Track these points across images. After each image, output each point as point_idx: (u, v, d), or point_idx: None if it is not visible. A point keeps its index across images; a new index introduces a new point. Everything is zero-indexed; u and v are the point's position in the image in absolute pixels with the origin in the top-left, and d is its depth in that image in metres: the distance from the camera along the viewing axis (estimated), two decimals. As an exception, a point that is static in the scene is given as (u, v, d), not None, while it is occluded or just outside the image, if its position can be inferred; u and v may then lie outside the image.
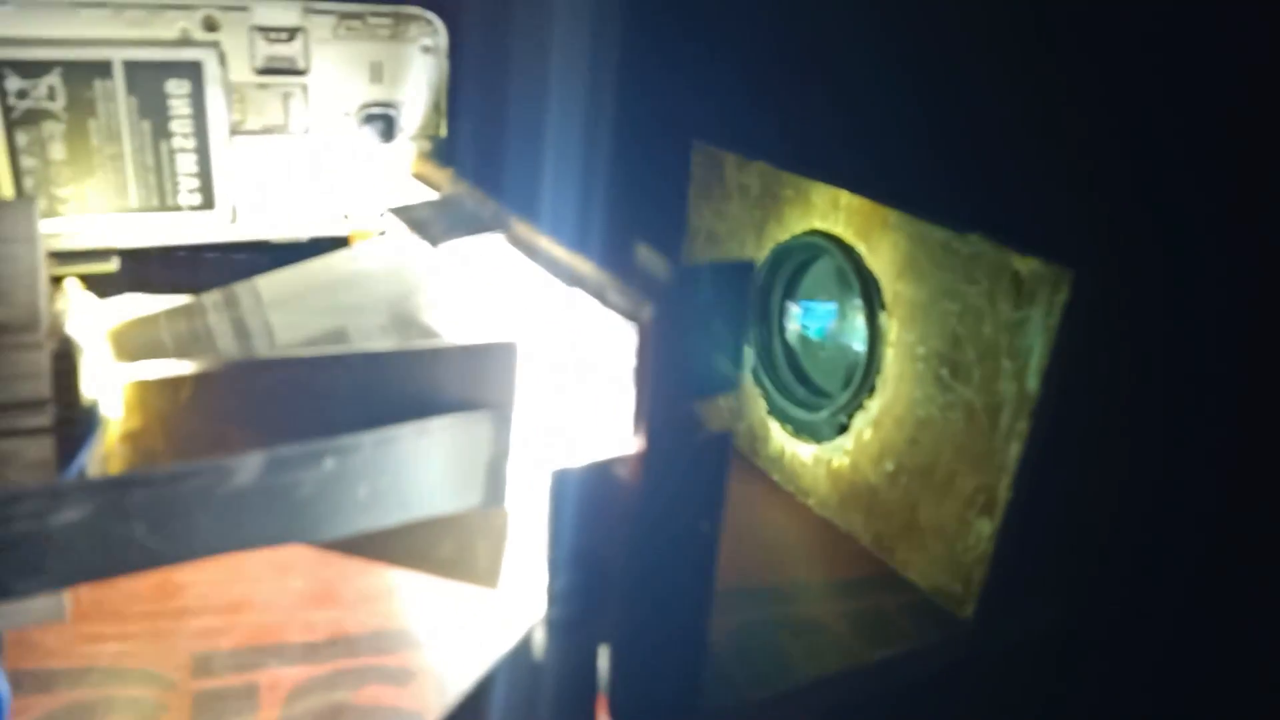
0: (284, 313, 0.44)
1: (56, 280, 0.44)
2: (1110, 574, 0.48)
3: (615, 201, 0.69)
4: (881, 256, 0.53)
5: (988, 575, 0.48)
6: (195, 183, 0.49)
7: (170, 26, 0.46)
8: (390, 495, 0.36)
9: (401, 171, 0.55)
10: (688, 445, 0.35)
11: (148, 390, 0.37)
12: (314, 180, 0.53)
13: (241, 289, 0.46)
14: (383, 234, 0.56)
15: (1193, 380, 0.47)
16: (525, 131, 0.63)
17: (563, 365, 0.37)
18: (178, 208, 0.49)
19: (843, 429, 0.56)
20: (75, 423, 0.34)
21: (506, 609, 0.46)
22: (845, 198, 0.55)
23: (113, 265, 0.49)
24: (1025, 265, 0.45)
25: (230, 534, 0.33)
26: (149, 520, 0.31)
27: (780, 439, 0.61)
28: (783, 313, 0.61)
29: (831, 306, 0.58)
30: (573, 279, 0.37)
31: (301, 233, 0.54)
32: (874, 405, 0.54)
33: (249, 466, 0.33)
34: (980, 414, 0.48)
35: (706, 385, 0.35)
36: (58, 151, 0.46)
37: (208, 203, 0.50)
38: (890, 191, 0.52)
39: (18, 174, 0.45)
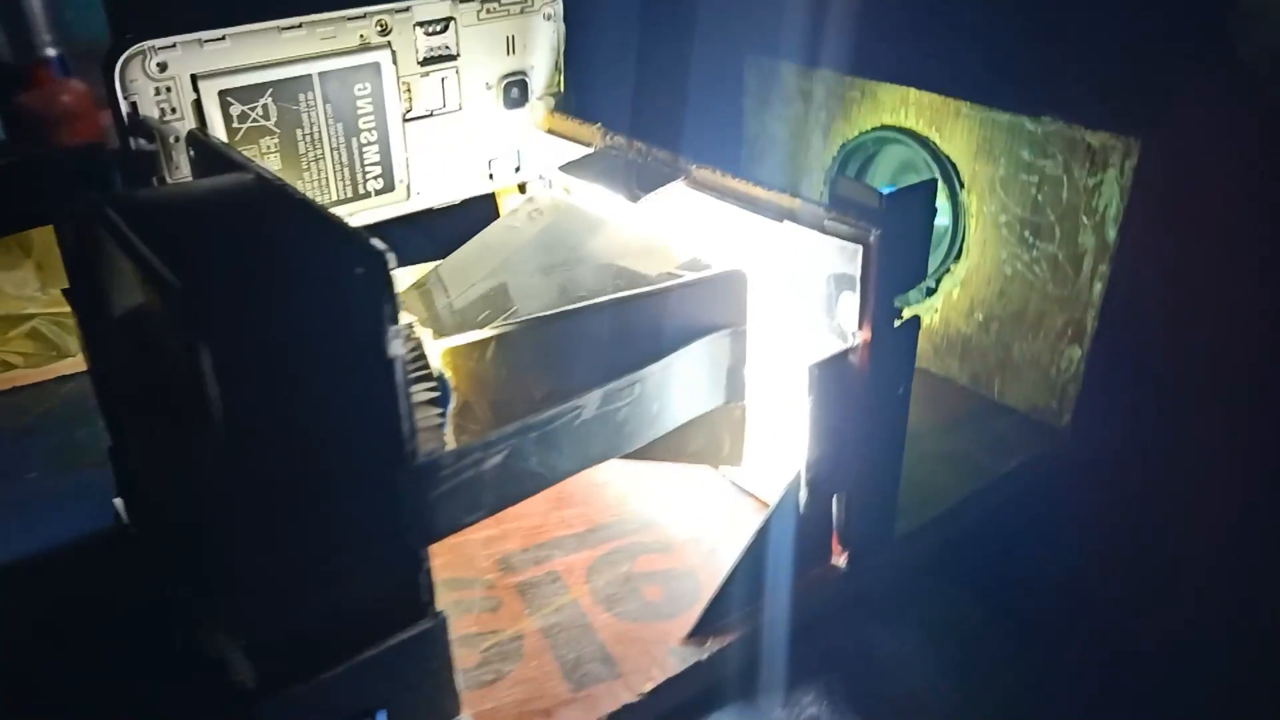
0: (501, 281, 0.52)
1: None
2: (1183, 386, 0.60)
3: (677, 117, 0.77)
4: (956, 142, 0.63)
5: (1080, 390, 0.60)
6: (378, 169, 0.56)
7: (352, 36, 0.52)
8: (670, 407, 0.46)
9: (534, 128, 0.62)
10: (894, 330, 0.45)
11: (459, 355, 0.46)
12: (464, 149, 0.60)
13: (444, 270, 0.54)
14: (523, 187, 0.64)
15: (1247, 221, 0.58)
16: (604, 70, 0.69)
17: (782, 284, 0.47)
18: (367, 194, 0.56)
19: (930, 293, 0.66)
20: (439, 391, 0.42)
21: (711, 485, 0.56)
22: (914, 94, 0.64)
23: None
24: (1096, 139, 0.56)
25: (580, 455, 0.43)
26: (538, 453, 0.40)
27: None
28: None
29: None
30: (780, 213, 0.46)
31: (455, 196, 0.61)
32: (960, 269, 0.64)
33: (592, 401, 0.42)
34: (1064, 264, 0.59)
35: (905, 280, 0.45)
36: (274, 162, 0.52)
37: (388, 185, 0.57)
38: (961, 85, 0.62)
39: (244, 187, 0.52)
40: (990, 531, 0.56)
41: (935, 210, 0.45)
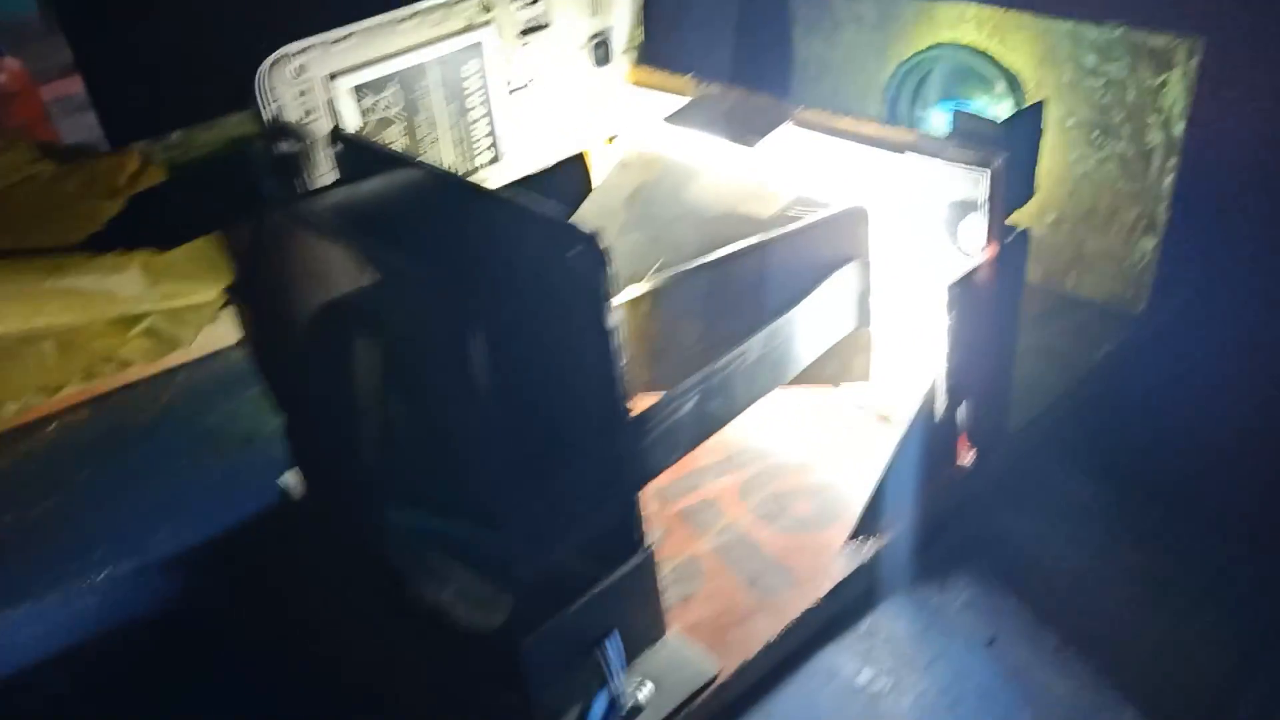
0: (633, 236, 0.56)
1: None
2: (1257, 267, 0.65)
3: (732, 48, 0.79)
4: (1019, 52, 0.66)
5: (1155, 276, 0.65)
6: (487, 142, 0.59)
7: (459, 18, 0.54)
8: (814, 339, 0.50)
9: (622, 84, 0.64)
10: (1009, 245, 0.49)
11: (621, 311, 0.49)
12: (559, 112, 0.62)
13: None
14: (612, 141, 0.66)
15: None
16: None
17: (905, 215, 0.50)
18: (476, 168, 0.59)
19: (1001, 197, 0.70)
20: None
21: (832, 405, 0.61)
22: (973, 9, 0.67)
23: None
24: (1160, 40, 0.59)
25: (750, 393, 0.47)
26: (720, 396, 0.45)
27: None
28: (914, 119, 0.74)
29: (969, 100, 0.70)
30: (899, 146, 0.50)
31: (551, 159, 0.64)
32: (1030, 173, 0.68)
33: (756, 342, 0.46)
34: (1133, 161, 0.63)
35: (1020, 197, 0.49)
36: (400, 148, 0.54)
37: (496, 156, 0.60)
38: (1021, -2, 0.64)
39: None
40: (1090, 417, 0.61)
41: (1042, 131, 0.48)
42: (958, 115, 0.48)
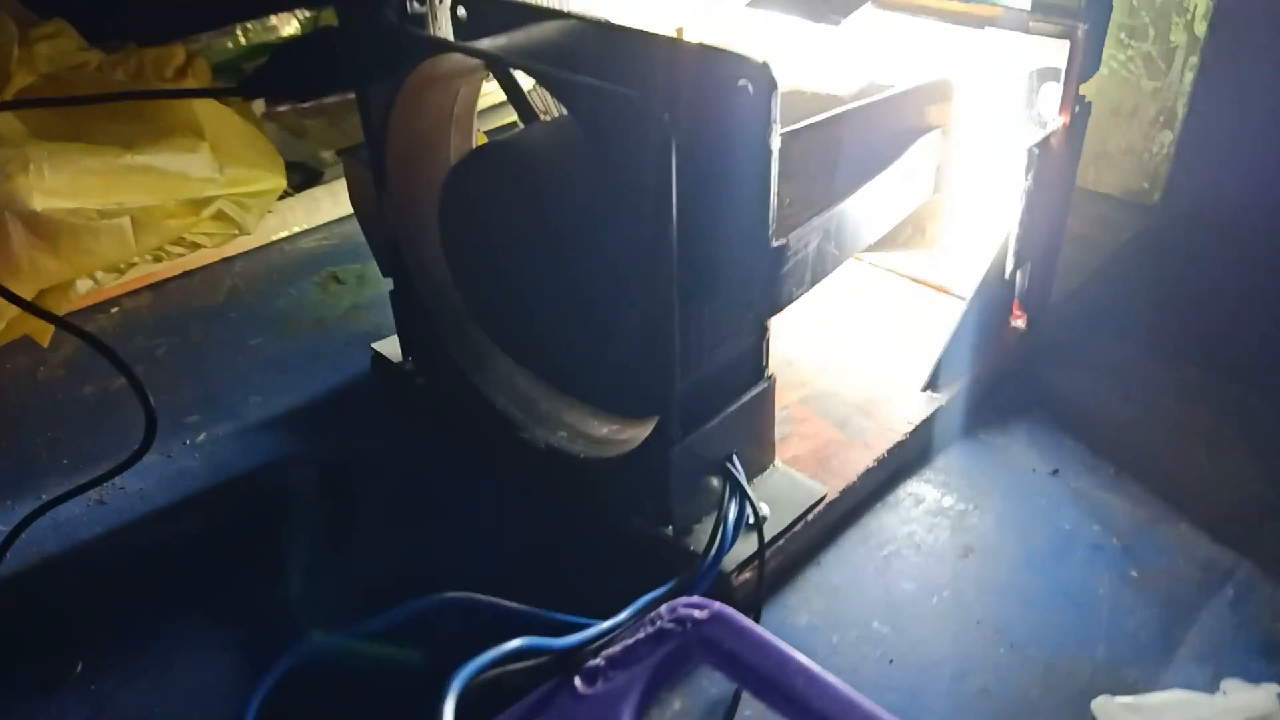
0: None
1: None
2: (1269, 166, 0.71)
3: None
4: (1054, -40, 0.71)
5: (1171, 168, 0.71)
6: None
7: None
8: (899, 200, 0.55)
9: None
10: (1078, 113, 0.54)
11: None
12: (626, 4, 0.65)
13: None
14: (680, 32, 0.69)
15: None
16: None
17: (987, 85, 0.55)
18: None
19: (1029, 97, 0.75)
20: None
21: (889, 282, 0.66)
22: (1011, -80, 0.72)
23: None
24: (1191, -56, 0.64)
25: (854, 243, 0.51)
26: (835, 238, 0.49)
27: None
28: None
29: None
30: (981, 21, 0.54)
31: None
32: (1057, 75, 0.73)
33: (856, 199, 0.50)
34: (1157, 60, 0.69)
35: (1092, 68, 0.54)
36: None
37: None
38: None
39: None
40: (1122, 290, 0.67)
41: (1112, 6, 0.53)
42: (1037, -8, 0.52)
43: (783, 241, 0.45)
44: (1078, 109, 0.54)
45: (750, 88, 0.40)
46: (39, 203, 0.63)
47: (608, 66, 0.42)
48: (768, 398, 0.49)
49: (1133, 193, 0.73)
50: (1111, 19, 0.68)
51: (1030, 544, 0.50)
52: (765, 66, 0.40)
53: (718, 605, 0.41)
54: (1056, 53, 0.52)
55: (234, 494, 0.56)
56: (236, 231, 0.74)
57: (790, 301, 0.48)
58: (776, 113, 0.41)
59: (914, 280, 0.65)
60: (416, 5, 0.52)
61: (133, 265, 0.71)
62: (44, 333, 0.67)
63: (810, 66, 0.61)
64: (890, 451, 0.53)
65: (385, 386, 0.63)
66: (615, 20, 0.45)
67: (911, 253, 0.63)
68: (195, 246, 0.74)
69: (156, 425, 0.45)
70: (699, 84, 0.41)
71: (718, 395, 0.46)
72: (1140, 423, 0.57)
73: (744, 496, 0.47)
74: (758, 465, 0.50)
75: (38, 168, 0.63)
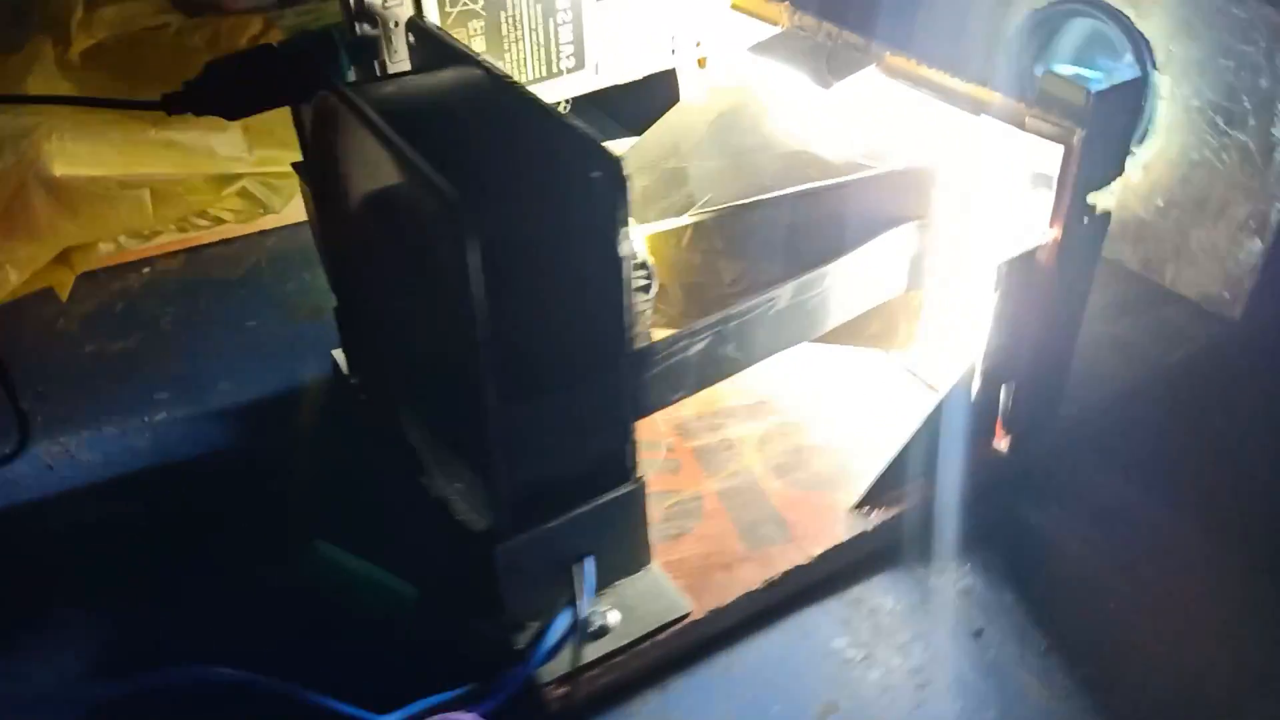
0: (690, 163, 0.54)
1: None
2: None
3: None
4: (1153, 20, 0.60)
5: (1257, 282, 0.60)
6: (571, 48, 0.58)
7: (551, -84, 0.53)
8: (856, 295, 0.49)
9: (718, 3, 0.62)
10: (1085, 227, 0.46)
11: (658, 240, 0.49)
12: (649, 24, 0.61)
13: (632, 154, 0.56)
14: (704, 62, 0.65)
15: None
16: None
17: (977, 178, 0.47)
18: (559, 72, 0.58)
19: (1109, 174, 0.65)
20: (648, 279, 0.46)
21: (880, 368, 0.59)
22: (1112, -34, 0.62)
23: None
24: (1310, 24, 0.53)
25: (775, 341, 0.46)
26: (736, 341, 0.44)
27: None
28: (1035, 77, 0.69)
29: (1096, 69, 0.65)
30: (977, 106, 0.47)
31: (639, 72, 0.62)
32: (1145, 151, 0.63)
33: (786, 292, 0.45)
34: (1255, 154, 0.57)
35: (1104, 177, 0.46)
36: (479, 44, 0.54)
37: (579, 63, 0.59)
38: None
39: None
40: (1154, 418, 0.58)
41: (1141, 110, 0.45)
42: (1045, 76, 0.44)
43: (645, 345, 0.41)
44: (1085, 222, 0.46)
45: (599, 183, 0.36)
46: (60, 169, 0.66)
47: (465, 136, 0.39)
48: (635, 501, 0.45)
49: (1210, 300, 0.62)
50: (1208, 100, 0.58)
51: (908, 716, 0.44)
52: (616, 161, 0.36)
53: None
54: (1050, 157, 0.44)
55: (157, 483, 0.58)
56: (263, 210, 0.76)
57: (663, 405, 0.44)
58: (625, 212, 0.37)
59: (910, 371, 0.59)
60: (368, 29, 0.51)
61: (158, 233, 0.75)
62: (64, 286, 0.71)
63: (815, 126, 0.55)
64: (787, 575, 0.48)
65: (339, 397, 0.63)
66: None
67: (880, 352, 0.56)
68: (219, 221, 0.76)
69: (29, 427, 0.47)
70: (548, 170, 0.37)
71: (568, 494, 0.43)
72: (1106, 590, 0.49)
73: (583, 597, 0.43)
74: (626, 567, 0.47)
75: (60, 135, 0.66)
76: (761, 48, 0.56)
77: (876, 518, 0.50)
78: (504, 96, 0.42)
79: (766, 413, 0.57)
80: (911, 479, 0.51)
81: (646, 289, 0.46)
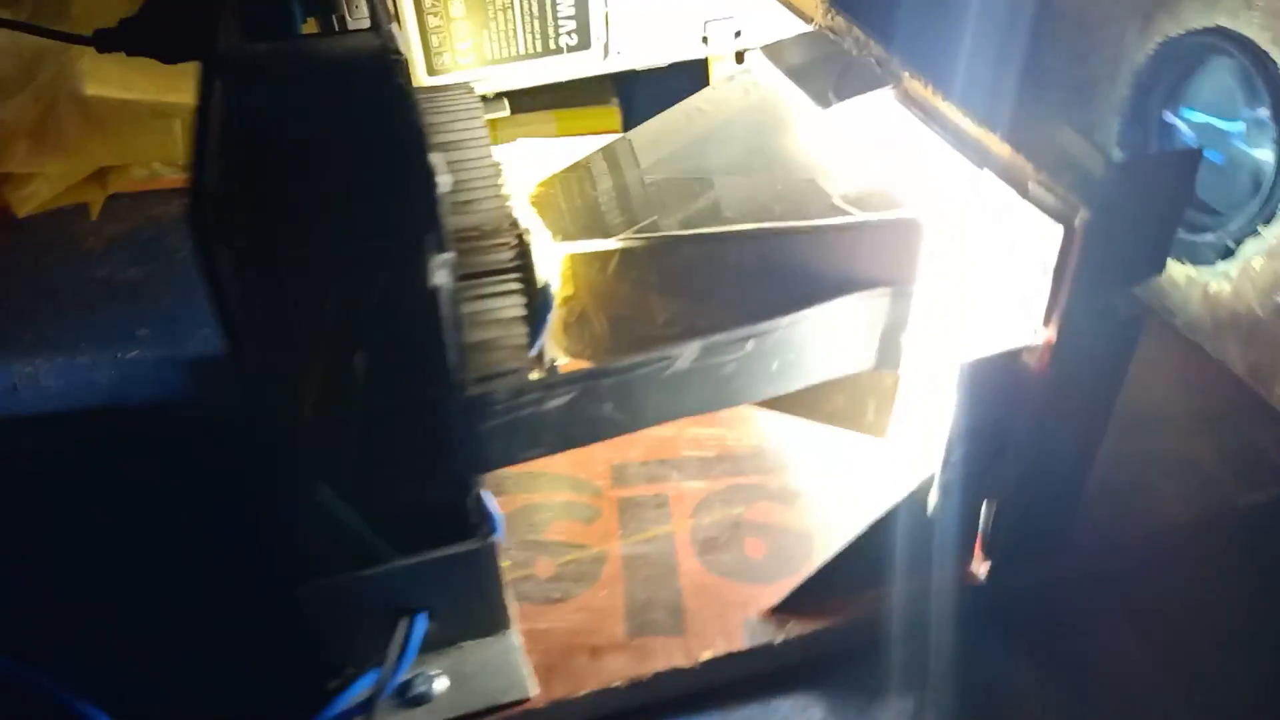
0: (664, 175, 0.47)
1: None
2: None
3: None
4: (1307, 69, 0.47)
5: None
6: (572, 24, 0.51)
7: None
8: (796, 366, 0.40)
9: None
10: (1101, 332, 0.36)
11: (580, 262, 0.42)
12: (674, 7, 0.53)
13: (621, 149, 0.48)
14: (741, 56, 0.56)
15: None
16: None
17: (967, 248, 0.38)
18: (559, 50, 0.52)
19: (1228, 253, 0.52)
20: (536, 304, 0.39)
21: (870, 443, 0.50)
22: (1269, -6, 0.48)
23: (505, 111, 0.53)
24: None
25: (672, 406, 0.38)
26: (614, 400, 0.37)
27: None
28: (1164, 118, 0.56)
29: (1234, 120, 0.52)
30: (983, 158, 0.37)
31: (661, 59, 0.55)
32: (1271, 232, 0.50)
33: (687, 353, 0.37)
34: None
35: (1129, 275, 0.35)
36: (457, 9, 0.49)
37: (583, 42, 0.52)
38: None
39: (424, 31, 0.49)
40: (1197, 572, 0.46)
41: (1191, 193, 0.33)
42: (1062, 131, 0.34)
43: (482, 392, 0.34)
44: (1099, 324, 0.35)
45: (403, 205, 0.29)
46: (91, 88, 0.66)
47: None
48: (480, 560, 0.39)
49: (1326, 435, 0.49)
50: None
51: None
52: (426, 174, 0.29)
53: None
54: (1044, 238, 0.34)
55: (100, 424, 0.57)
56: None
57: (510, 462, 0.37)
58: (438, 238, 0.30)
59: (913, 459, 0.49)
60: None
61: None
62: (95, 204, 0.71)
63: (829, 147, 0.46)
64: (659, 677, 0.41)
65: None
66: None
67: (845, 433, 0.46)
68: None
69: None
70: (351, 187, 0.31)
71: (394, 541, 0.37)
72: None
73: (400, 659, 0.38)
74: (475, 629, 0.41)
75: (93, 55, 0.65)
76: (770, 49, 0.47)
77: (793, 630, 0.42)
78: (368, 81, 0.36)
79: (722, 472, 0.49)
80: (853, 591, 0.43)
81: (538, 313, 0.39)
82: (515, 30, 0.50)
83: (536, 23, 0.50)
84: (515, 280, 0.38)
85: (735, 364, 0.38)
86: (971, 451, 0.38)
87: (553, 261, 0.42)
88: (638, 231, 0.41)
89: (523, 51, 0.51)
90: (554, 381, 0.35)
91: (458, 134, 0.38)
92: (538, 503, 0.48)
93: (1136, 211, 0.33)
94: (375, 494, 0.36)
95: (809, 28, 0.48)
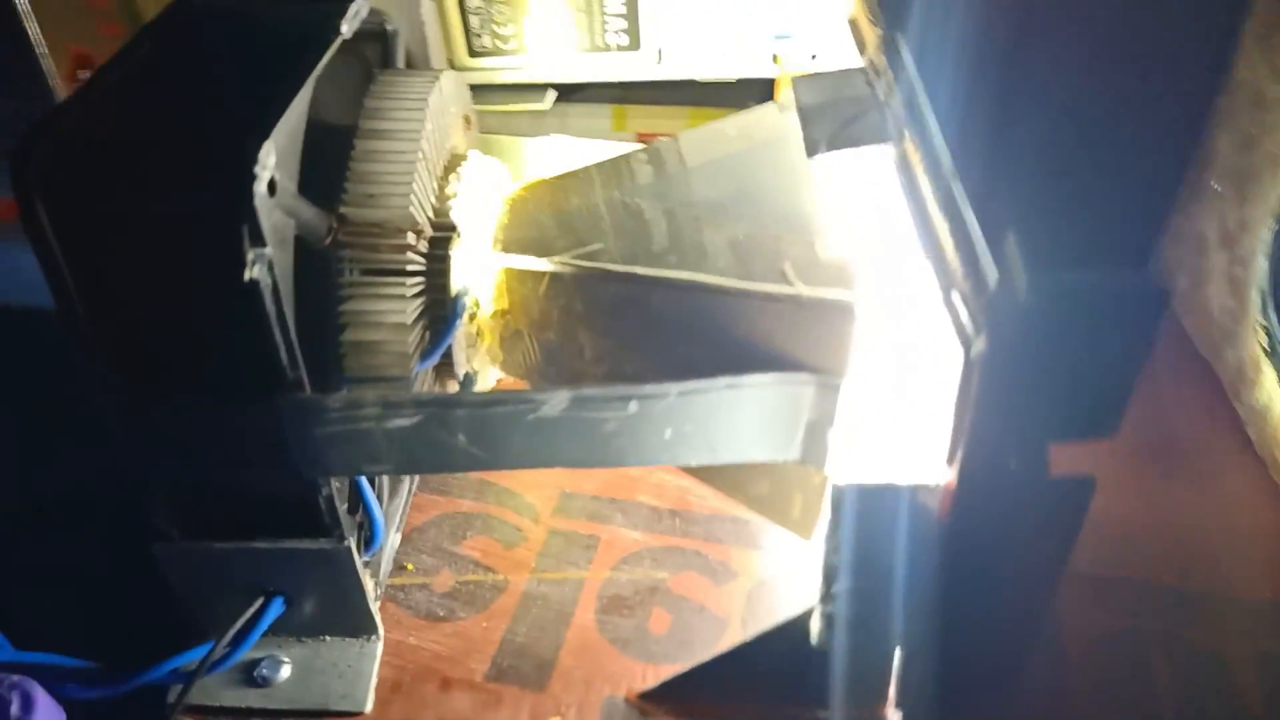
0: (642, 200, 0.42)
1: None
2: None
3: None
4: None
5: None
6: (622, 22, 0.48)
7: None
8: (697, 438, 0.35)
9: (839, 13, 0.48)
10: (1030, 489, 0.29)
11: (512, 277, 0.39)
12: (740, 17, 0.48)
13: (621, 164, 0.44)
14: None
15: None
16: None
17: (893, 349, 0.32)
18: (606, 48, 0.49)
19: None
20: (444, 308, 0.37)
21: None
22: None
23: (546, 103, 0.51)
24: None
25: (539, 453, 0.35)
26: (468, 433, 0.34)
27: (1273, 390, 0.47)
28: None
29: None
30: (931, 247, 0.30)
31: (721, 73, 0.50)
32: None
33: (556, 401, 0.33)
34: None
35: (1067, 428, 0.28)
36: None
37: (633, 44, 0.49)
38: None
39: (465, 12, 0.48)
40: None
41: (1149, 344, 0.26)
42: (1008, 239, 0.27)
43: (315, 398, 0.33)
44: (1056, 480, 0.29)
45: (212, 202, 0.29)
46: None
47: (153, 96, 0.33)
48: (335, 560, 0.37)
49: None
50: None
51: None
52: (242, 179, 0.28)
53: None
54: (950, 358, 0.27)
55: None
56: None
57: (356, 472, 0.35)
58: (252, 232, 0.29)
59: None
60: None
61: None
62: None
63: (826, 200, 0.40)
64: (499, 730, 0.38)
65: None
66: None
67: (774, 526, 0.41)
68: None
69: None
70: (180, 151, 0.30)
71: (246, 521, 0.37)
72: None
73: (243, 636, 0.38)
74: (341, 627, 0.40)
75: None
76: (801, 83, 0.41)
77: (655, 722, 0.38)
78: (265, 50, 0.34)
79: (667, 529, 0.45)
80: (728, 701, 0.38)
81: (447, 320, 0.37)
82: (559, 20, 0.48)
83: (582, 16, 0.48)
84: (415, 284, 0.36)
85: (617, 424, 0.34)
86: (862, 589, 0.33)
87: (487, 272, 0.40)
88: (575, 257, 0.38)
89: (568, 44, 0.49)
90: (395, 401, 0.33)
91: (391, 124, 0.36)
92: (473, 513, 0.46)
93: (1064, 350, 0.26)
94: (211, 472, 0.35)
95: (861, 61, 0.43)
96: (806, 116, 0.39)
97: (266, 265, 0.30)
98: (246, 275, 0.29)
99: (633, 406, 0.34)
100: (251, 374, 0.32)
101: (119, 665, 0.38)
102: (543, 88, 0.51)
